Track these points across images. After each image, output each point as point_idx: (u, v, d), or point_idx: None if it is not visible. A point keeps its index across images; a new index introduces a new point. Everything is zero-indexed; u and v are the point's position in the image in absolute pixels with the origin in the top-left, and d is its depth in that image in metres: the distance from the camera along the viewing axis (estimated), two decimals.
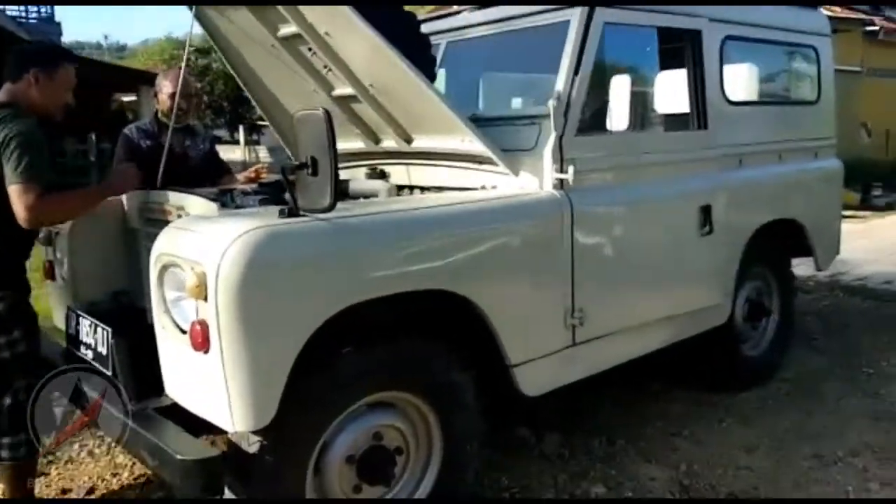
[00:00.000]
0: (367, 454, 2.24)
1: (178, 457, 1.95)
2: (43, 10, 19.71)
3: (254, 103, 3.38)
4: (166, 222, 2.31)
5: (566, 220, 2.59)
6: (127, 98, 16.55)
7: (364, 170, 3.21)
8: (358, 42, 2.50)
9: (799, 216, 3.76)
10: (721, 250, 3.27)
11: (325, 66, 2.78)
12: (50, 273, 2.99)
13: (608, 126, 2.85)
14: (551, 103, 2.56)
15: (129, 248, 2.86)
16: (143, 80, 13.05)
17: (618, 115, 2.79)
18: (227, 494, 2.07)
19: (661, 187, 3.02)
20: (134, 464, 3.02)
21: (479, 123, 2.65)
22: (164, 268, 2.08)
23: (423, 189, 2.99)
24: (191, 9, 2.82)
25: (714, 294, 3.30)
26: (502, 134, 2.71)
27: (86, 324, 2.59)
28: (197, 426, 2.14)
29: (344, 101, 2.94)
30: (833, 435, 3.25)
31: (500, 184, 2.70)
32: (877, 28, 11.69)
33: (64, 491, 2.93)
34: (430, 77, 2.78)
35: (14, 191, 2.26)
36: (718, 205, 3.20)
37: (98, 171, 11.62)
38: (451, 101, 2.60)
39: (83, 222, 2.75)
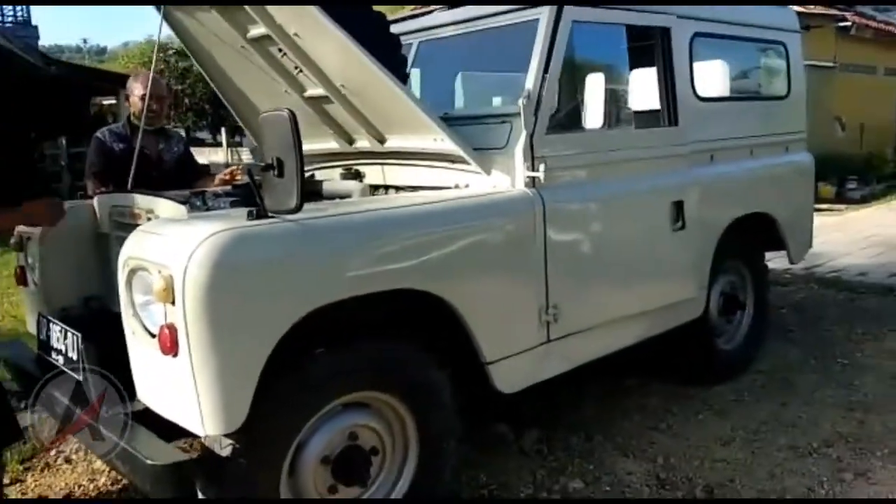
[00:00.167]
0: (342, 454, 2.24)
1: (149, 462, 1.94)
2: (19, 12, 19.40)
3: (227, 105, 3.37)
4: (136, 226, 2.30)
5: (538, 218, 2.60)
6: (107, 101, 16.37)
7: (339, 170, 3.21)
8: (327, 43, 2.49)
9: (771, 210, 3.80)
10: (694, 245, 3.30)
11: (296, 68, 2.77)
12: (22, 279, 2.97)
13: (579, 124, 2.87)
14: (521, 102, 2.57)
15: (100, 252, 2.84)
16: (123, 83, 12.74)
17: (589, 113, 2.82)
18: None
19: (633, 183, 3.03)
20: (111, 469, 3.00)
21: (451, 122, 2.66)
22: (133, 272, 2.07)
23: (397, 189, 2.99)
24: (159, 10, 2.81)
25: (688, 288, 3.33)
26: (474, 133, 2.72)
27: (56, 329, 2.57)
28: (172, 431, 2.12)
29: (316, 101, 2.93)
30: (808, 426, 3.29)
31: (472, 182, 2.71)
32: (849, 24, 11.82)
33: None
34: (402, 77, 2.78)
35: None
36: (690, 200, 3.23)
37: (70, 174, 11.49)
38: (423, 101, 2.61)
39: (55, 228, 2.72)
